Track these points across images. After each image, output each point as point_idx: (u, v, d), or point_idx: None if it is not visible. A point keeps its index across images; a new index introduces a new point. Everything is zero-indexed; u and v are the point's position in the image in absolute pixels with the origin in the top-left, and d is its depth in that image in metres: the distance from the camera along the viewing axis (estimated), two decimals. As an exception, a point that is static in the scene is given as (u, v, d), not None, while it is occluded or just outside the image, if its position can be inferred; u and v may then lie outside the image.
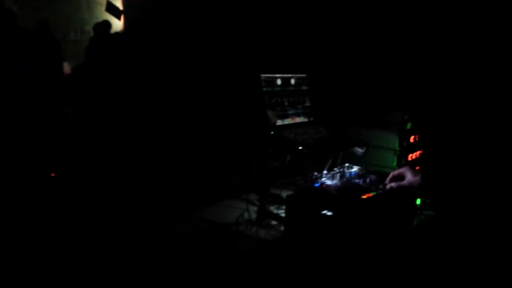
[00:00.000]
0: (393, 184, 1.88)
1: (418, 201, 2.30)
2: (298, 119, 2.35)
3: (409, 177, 1.83)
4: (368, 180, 2.01)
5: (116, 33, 3.82)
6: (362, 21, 2.92)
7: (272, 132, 2.15)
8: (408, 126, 2.74)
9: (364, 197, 1.86)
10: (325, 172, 2.05)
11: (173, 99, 2.50)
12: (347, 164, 2.15)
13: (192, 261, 1.89)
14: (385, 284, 1.87)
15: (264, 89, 2.21)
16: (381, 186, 1.95)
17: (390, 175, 1.91)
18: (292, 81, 2.38)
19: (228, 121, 2.53)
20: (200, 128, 2.55)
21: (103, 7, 4.30)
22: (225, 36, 2.58)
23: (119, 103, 2.62)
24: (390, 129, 2.70)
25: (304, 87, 2.44)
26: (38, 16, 4.32)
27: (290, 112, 2.31)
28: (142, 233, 2.06)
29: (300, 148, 2.07)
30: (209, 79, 2.54)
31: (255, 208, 2.27)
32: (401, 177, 1.86)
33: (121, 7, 6.64)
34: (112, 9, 3.99)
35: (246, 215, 2.19)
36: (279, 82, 2.29)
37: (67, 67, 5.35)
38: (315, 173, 2.02)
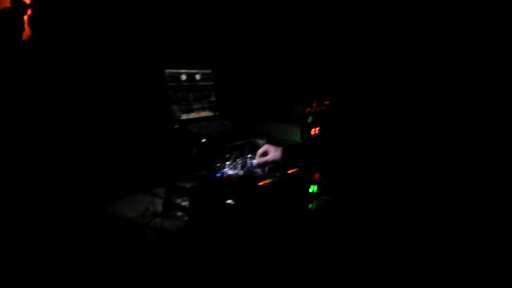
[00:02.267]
0: (260, 160, 2.10)
1: (315, 188, 2.51)
2: (204, 113, 2.44)
3: (271, 153, 2.08)
4: (267, 168, 2.16)
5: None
6: (268, 16, 3.07)
7: (176, 126, 2.22)
8: (309, 119, 2.95)
9: (261, 184, 2.00)
10: (228, 163, 2.17)
11: (75, 92, 2.45)
12: (249, 155, 2.29)
13: (98, 252, 1.90)
14: (285, 265, 2.04)
15: (169, 84, 2.26)
16: (278, 174, 2.12)
17: (258, 153, 2.12)
18: (198, 77, 2.46)
19: (133, 115, 2.54)
20: (105, 123, 2.53)
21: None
22: (130, 31, 2.58)
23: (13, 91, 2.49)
24: (293, 122, 2.90)
25: (209, 83, 2.54)
26: None
27: (196, 106, 2.40)
28: (45, 227, 2.02)
29: (203, 140, 2.17)
30: (113, 73, 2.52)
31: (162, 201, 2.33)
32: (265, 153, 2.11)
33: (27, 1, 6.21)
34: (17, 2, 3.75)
35: (151, 208, 2.24)
36: (184, 77, 2.36)
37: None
38: (218, 164, 2.13)
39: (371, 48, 2.10)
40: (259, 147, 2.51)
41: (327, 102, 3.00)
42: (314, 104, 3.03)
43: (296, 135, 2.89)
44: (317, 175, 2.44)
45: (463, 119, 1.77)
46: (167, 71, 2.24)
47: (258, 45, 3.02)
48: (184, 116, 2.31)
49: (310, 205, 2.47)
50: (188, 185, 2.41)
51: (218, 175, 2.06)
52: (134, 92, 2.56)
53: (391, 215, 1.92)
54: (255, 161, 2.13)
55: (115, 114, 2.52)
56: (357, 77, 2.33)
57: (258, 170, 2.15)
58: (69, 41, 2.39)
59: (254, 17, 2.99)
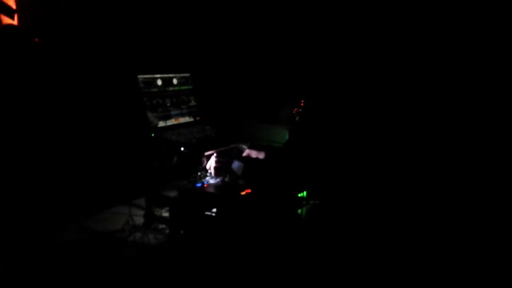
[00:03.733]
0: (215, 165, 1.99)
1: (304, 193, 2.40)
2: (183, 120, 2.33)
3: (254, 154, 1.99)
4: (227, 178, 2.03)
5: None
6: (247, 15, 2.95)
7: (153, 135, 2.10)
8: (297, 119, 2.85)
9: (243, 193, 1.89)
10: (209, 171, 2.05)
11: (51, 103, 2.32)
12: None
13: (70, 274, 1.79)
14: (275, 272, 1.93)
15: (143, 90, 2.14)
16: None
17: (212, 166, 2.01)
18: (175, 81, 2.34)
19: (107, 125, 2.42)
20: (79, 135, 2.40)
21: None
22: (98, 36, 2.45)
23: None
24: (280, 123, 2.79)
25: (188, 87, 2.42)
26: None
27: (174, 113, 2.28)
28: (18, 245, 1.91)
29: (182, 149, 2.05)
30: (83, 82, 2.40)
31: (143, 213, 2.22)
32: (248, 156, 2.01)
33: (14, 6, 6.08)
34: (4, 8, 3.64)
35: (131, 221, 2.13)
36: (159, 82, 2.24)
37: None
38: (199, 173, 2.01)
39: (359, 47, 2.03)
40: (241, 152, 2.40)
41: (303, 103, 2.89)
42: (302, 104, 2.92)
43: (283, 137, 2.78)
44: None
45: (459, 119, 1.71)
46: (140, 76, 2.12)
47: (238, 45, 2.90)
48: (161, 123, 2.19)
49: (299, 210, 2.37)
50: (171, 195, 2.30)
51: (199, 185, 1.95)
52: (107, 100, 2.44)
53: (384, 217, 1.86)
54: (208, 166, 2.00)
55: (89, 124, 2.40)
56: (345, 76, 2.25)
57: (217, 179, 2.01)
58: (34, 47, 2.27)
59: (233, 16, 2.87)
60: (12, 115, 2.15)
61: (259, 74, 3.01)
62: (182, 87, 2.37)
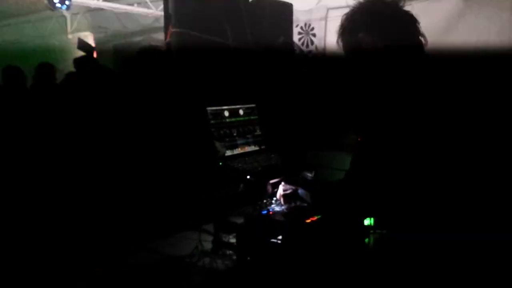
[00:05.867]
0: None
1: (371, 221, 2.35)
2: (249, 148, 2.41)
3: (289, 189, 1.99)
4: (293, 204, 2.05)
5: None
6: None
7: (220, 163, 2.20)
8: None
9: (308, 221, 1.90)
10: (274, 199, 2.10)
11: (127, 132, 2.54)
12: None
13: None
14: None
15: (212, 121, 2.27)
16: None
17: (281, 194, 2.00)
18: (241, 112, 2.45)
19: (179, 154, 2.57)
20: (151, 163, 2.58)
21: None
22: (171, 74, 2.66)
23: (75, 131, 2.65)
24: (344, 150, 2.78)
25: (253, 117, 2.51)
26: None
27: (240, 142, 2.38)
28: (92, 268, 2.06)
29: (248, 177, 2.12)
30: (156, 115, 2.59)
31: (212, 238, 2.30)
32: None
33: (93, 44, 6.77)
34: (84, 46, 4.10)
35: (200, 246, 2.21)
36: (227, 113, 2.36)
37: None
38: (264, 201, 2.07)
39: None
40: (306, 180, 2.41)
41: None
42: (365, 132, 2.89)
43: (348, 164, 2.76)
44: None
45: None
46: (209, 108, 2.26)
47: (303, 75, 2.97)
48: (228, 153, 2.29)
49: (366, 240, 2.31)
50: (238, 221, 2.37)
51: (264, 212, 2.00)
52: (181, 132, 2.60)
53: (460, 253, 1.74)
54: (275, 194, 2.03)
55: (163, 154, 2.57)
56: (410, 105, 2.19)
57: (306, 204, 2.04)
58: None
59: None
60: (92, 145, 2.39)
61: (324, 102, 3.04)
62: (248, 117, 2.48)
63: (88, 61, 3.58)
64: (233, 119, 2.39)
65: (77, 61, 3.69)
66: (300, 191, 1.98)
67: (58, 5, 6.20)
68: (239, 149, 2.36)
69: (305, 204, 2.05)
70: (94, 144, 2.51)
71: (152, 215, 2.43)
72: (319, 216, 1.94)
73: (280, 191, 2.03)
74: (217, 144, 2.24)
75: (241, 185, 2.28)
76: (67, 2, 6.27)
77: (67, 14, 8.18)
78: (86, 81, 3.22)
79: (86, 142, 2.52)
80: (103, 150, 2.51)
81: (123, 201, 2.42)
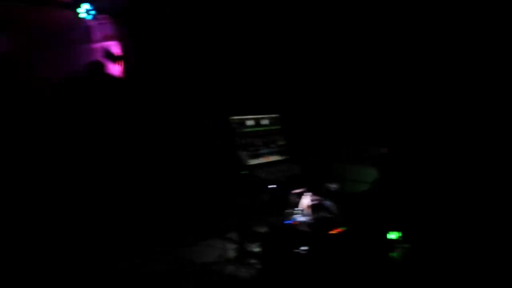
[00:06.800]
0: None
1: (396, 235, 2.30)
2: (272, 158, 2.40)
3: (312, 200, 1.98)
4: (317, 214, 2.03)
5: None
6: (334, 57, 3.01)
7: (244, 172, 2.20)
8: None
9: (332, 232, 1.87)
10: (298, 208, 2.07)
11: (156, 144, 2.57)
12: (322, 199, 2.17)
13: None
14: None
15: (236, 131, 2.27)
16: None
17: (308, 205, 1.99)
18: (265, 122, 2.45)
19: (204, 163, 2.58)
20: (178, 173, 2.60)
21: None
22: (198, 85, 2.69)
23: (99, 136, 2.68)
24: (366, 163, 2.74)
25: (277, 127, 2.51)
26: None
27: (263, 151, 2.37)
28: (119, 273, 2.07)
29: (271, 186, 2.11)
30: (181, 124, 2.62)
31: (235, 247, 2.29)
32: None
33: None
34: (109, 56, 4.22)
35: (224, 254, 2.21)
36: (250, 123, 2.36)
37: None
38: (288, 210, 2.05)
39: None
40: (330, 191, 2.38)
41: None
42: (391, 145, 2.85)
43: (368, 176, 2.72)
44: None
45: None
46: (233, 118, 2.26)
47: (327, 86, 2.94)
48: (252, 162, 2.28)
49: (392, 254, 2.26)
50: (262, 230, 2.35)
51: (288, 222, 1.98)
52: (203, 140, 2.62)
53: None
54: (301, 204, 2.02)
55: (188, 163, 2.59)
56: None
57: (330, 215, 2.02)
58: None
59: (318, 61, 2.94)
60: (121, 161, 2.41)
61: (347, 115, 3.01)
62: (272, 127, 2.47)
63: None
64: (256, 129, 2.38)
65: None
66: (326, 202, 1.97)
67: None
68: (263, 158, 2.35)
69: (330, 215, 2.02)
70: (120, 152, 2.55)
71: (178, 223, 2.43)
72: (344, 228, 1.91)
73: (308, 201, 2.01)
74: (241, 153, 2.24)
75: (265, 195, 2.27)
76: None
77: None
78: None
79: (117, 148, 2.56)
80: (126, 158, 2.54)
81: (151, 210, 2.44)
